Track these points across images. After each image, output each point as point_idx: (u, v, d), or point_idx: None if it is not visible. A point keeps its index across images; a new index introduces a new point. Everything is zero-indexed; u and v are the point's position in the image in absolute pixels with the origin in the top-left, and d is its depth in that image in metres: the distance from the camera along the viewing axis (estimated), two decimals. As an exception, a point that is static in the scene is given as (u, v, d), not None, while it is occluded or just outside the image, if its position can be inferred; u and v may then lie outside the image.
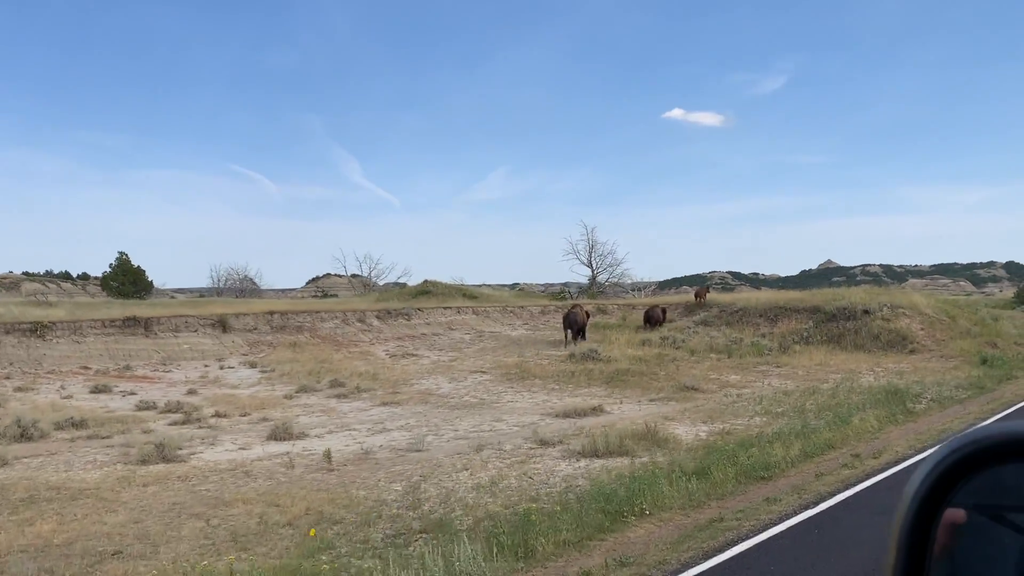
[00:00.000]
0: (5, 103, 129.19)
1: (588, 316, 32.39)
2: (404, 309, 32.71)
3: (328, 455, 10.97)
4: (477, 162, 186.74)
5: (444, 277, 50.99)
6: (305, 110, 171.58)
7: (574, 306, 32.80)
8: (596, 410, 15.89)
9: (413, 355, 26.34)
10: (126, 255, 74.25)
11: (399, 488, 9.74)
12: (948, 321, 30.00)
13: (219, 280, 77.86)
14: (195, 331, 26.08)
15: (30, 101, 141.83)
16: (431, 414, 15.86)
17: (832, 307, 31.42)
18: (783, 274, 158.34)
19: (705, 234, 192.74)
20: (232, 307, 29.73)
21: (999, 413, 14.27)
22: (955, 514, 0.96)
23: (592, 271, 50.71)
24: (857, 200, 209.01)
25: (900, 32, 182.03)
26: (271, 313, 29.26)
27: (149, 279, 77.30)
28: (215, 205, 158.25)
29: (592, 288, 50.18)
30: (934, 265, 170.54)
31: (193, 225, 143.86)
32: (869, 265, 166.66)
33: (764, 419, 14.91)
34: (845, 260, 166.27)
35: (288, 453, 11.84)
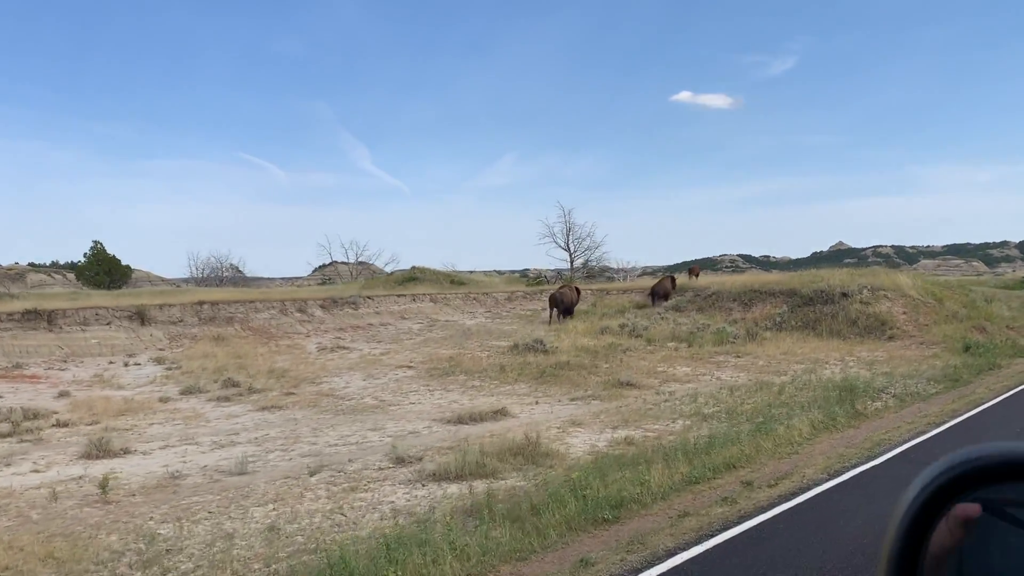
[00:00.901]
0: (16, 95, 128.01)
1: (579, 294, 30.74)
2: (351, 298, 30.60)
3: (104, 484, 8.87)
4: (486, 148, 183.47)
5: (445, 264, 48.96)
6: (313, 97, 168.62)
7: (563, 286, 30.42)
8: (499, 413, 13.74)
9: (345, 348, 24.24)
10: (100, 244, 72.45)
11: (168, 530, 7.65)
12: (934, 304, 27.66)
13: (198, 269, 75.90)
14: (108, 324, 24.06)
15: (41, 93, 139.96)
16: (307, 421, 13.76)
17: (809, 290, 29.13)
18: (794, 256, 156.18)
19: (715, 217, 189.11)
20: (157, 298, 27.70)
21: (961, 415, 12.04)
22: (969, 509, 0.96)
23: (570, 255, 48.35)
24: (869, 181, 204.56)
25: (910, 12, 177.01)
26: (200, 303, 27.21)
27: (126, 267, 75.56)
28: (225, 194, 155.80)
29: (571, 272, 47.86)
30: (946, 245, 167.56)
31: (203, 215, 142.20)
32: (881, 246, 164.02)
33: (688, 422, 12.77)
34: (857, 242, 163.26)
35: (82, 477, 9.79)
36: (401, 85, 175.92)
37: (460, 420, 13.21)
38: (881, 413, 12.92)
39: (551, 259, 65.95)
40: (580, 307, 34.84)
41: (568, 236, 47.97)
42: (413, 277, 50.01)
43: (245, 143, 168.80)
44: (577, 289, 31.10)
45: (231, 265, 77.07)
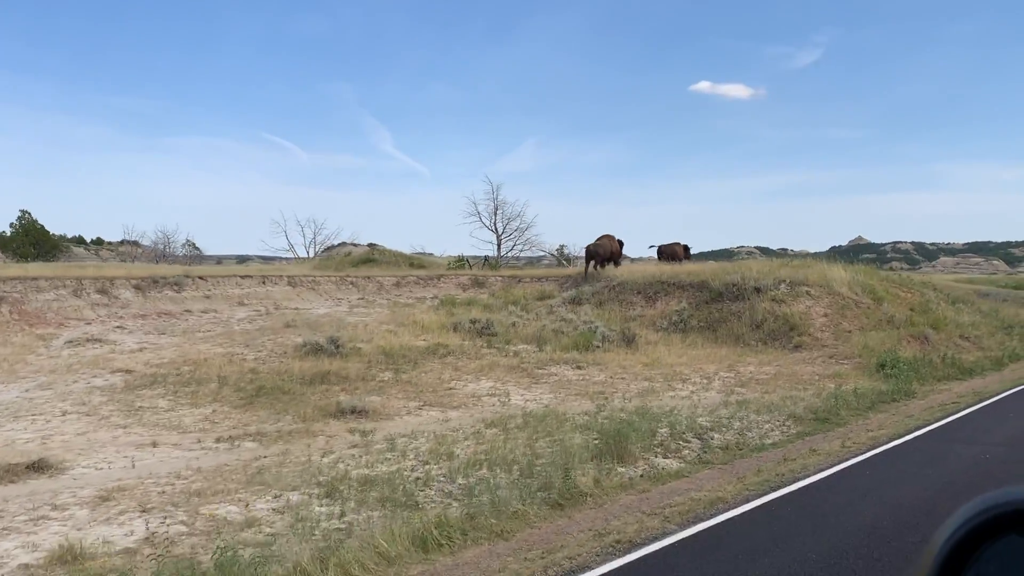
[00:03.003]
0: (43, 68, 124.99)
1: (621, 245, 29.69)
2: (175, 278, 25.58)
3: None
4: (507, 134, 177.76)
5: (413, 247, 44.41)
6: (337, 79, 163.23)
7: (600, 237, 29.17)
8: (34, 468, 8.66)
9: (99, 341, 19.20)
10: (28, 213, 68.18)
11: None
12: (869, 305, 22.24)
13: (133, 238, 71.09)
14: None
15: (66, 67, 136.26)
16: None
17: (719, 283, 23.79)
18: (812, 250, 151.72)
19: (733, 208, 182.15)
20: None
21: (704, 521, 6.78)
22: None
23: (497, 236, 42.90)
24: (892, 176, 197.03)
25: (940, 5, 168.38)
26: (-34, 281, 22.30)
27: (57, 238, 71.10)
28: (246, 172, 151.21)
29: (498, 257, 42.54)
30: (967, 243, 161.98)
31: (224, 192, 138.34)
32: (900, 242, 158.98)
33: (298, 498, 7.69)
34: (876, 237, 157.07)
35: None
36: (423, 68, 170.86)
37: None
38: (608, 496, 7.71)
39: (475, 240, 60.17)
40: (477, 296, 29.92)
41: (495, 215, 42.58)
42: (370, 259, 46.44)
43: (267, 123, 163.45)
44: (621, 242, 29.67)
45: (188, 241, 72.38)
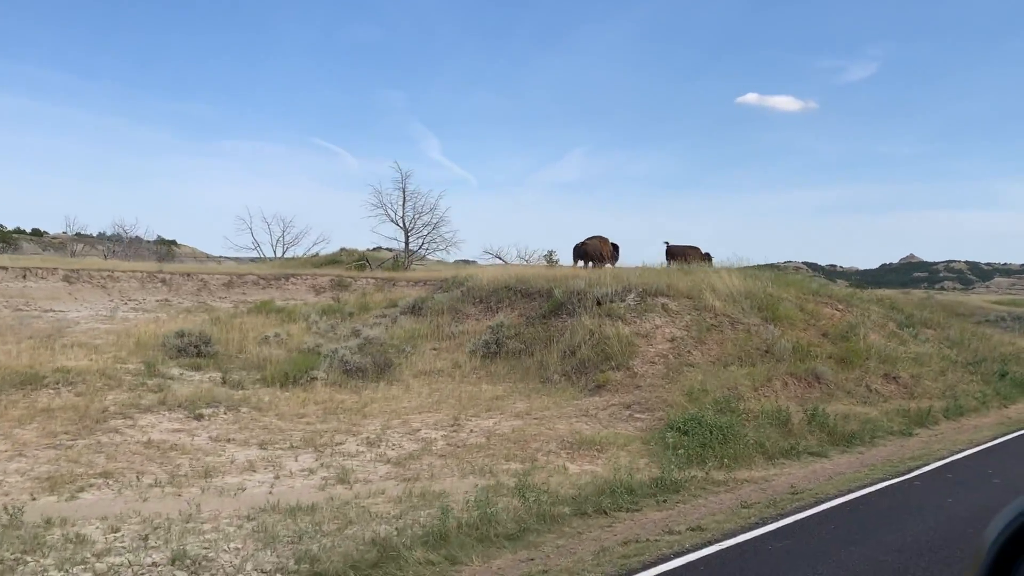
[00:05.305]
0: (104, 72, 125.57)
1: (617, 250, 27.31)
2: None
3: None
4: (554, 142, 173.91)
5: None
6: (387, 86, 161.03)
7: (591, 237, 27.31)
8: None
9: None
10: (-32, 202, 65.02)
11: None
12: (750, 326, 15.61)
13: (73, 228, 66.81)
14: None
15: (126, 72, 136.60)
16: None
17: (562, 291, 17.45)
18: (862, 267, 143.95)
19: (781, 222, 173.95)
20: None
21: None
22: None
23: (405, 231, 36.70)
24: (947, 193, 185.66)
25: (1000, 21, 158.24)
26: None
27: (4, 230, 67.60)
28: (297, 177, 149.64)
29: (407, 254, 36.47)
30: None
31: (275, 196, 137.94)
32: (954, 261, 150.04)
33: None
34: (929, 255, 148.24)
35: None
36: (471, 75, 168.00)
37: None
38: None
39: (378, 237, 52.96)
40: (315, 300, 24.27)
41: (404, 208, 36.43)
42: (335, 260, 41.62)
43: (318, 128, 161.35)
44: (615, 245, 27.63)
45: (160, 237, 68.02)
